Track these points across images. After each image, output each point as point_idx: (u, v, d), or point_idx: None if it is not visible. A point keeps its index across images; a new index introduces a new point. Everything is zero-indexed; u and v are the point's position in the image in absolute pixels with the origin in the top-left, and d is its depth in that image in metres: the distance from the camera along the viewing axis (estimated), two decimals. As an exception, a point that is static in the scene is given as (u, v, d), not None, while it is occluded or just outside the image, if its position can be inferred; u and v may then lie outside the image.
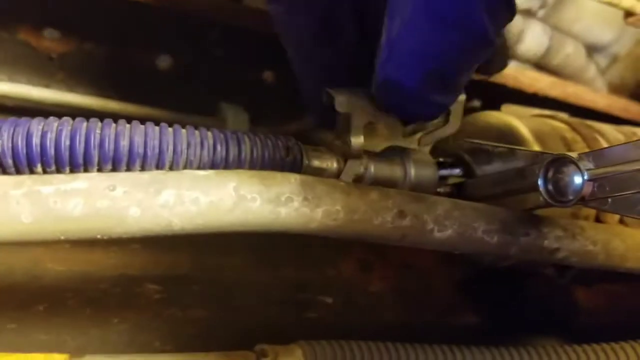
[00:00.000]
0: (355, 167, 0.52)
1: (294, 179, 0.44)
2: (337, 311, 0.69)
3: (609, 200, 0.50)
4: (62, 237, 0.38)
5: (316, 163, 0.56)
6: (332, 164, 0.57)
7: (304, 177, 0.45)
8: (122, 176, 0.39)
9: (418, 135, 0.69)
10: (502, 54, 0.61)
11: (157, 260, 0.64)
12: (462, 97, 0.56)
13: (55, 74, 0.67)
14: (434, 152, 0.66)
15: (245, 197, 0.41)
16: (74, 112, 0.67)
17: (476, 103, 0.87)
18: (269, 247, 0.72)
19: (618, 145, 0.50)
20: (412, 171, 0.61)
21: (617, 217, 0.65)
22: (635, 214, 0.50)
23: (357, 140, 0.51)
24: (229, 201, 0.40)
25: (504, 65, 0.63)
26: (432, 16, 0.40)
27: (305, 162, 0.55)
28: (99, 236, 0.39)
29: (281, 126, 0.75)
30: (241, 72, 0.74)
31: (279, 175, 0.43)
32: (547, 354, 0.61)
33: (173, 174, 0.40)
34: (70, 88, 0.67)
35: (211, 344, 0.59)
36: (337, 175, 0.56)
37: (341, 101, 0.49)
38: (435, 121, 0.57)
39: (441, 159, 0.64)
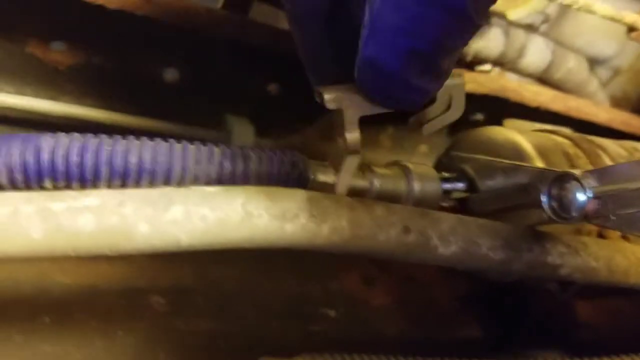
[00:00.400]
0: (353, 162, 0.50)
1: (300, 195, 0.44)
2: (340, 324, 0.70)
3: (613, 217, 0.50)
4: (72, 254, 0.39)
5: (321, 178, 0.57)
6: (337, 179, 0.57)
7: (310, 193, 0.45)
8: (131, 193, 0.40)
9: (422, 148, 0.70)
10: None
11: (161, 273, 0.65)
12: (462, 80, 0.55)
13: (62, 87, 0.68)
14: (438, 166, 0.66)
15: (252, 214, 0.41)
16: (81, 124, 0.68)
17: (479, 116, 0.88)
18: (271, 260, 0.72)
19: (622, 163, 0.50)
20: (416, 186, 0.61)
21: (619, 233, 0.65)
22: (638, 231, 0.50)
23: (353, 136, 0.49)
24: (236, 218, 0.41)
25: None
26: None
27: (311, 177, 0.55)
28: (107, 252, 0.39)
29: (286, 138, 0.76)
30: (246, 84, 0.74)
31: (285, 191, 0.44)
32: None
33: (181, 190, 0.41)
34: (78, 100, 0.68)
35: (215, 355, 0.59)
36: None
37: (330, 98, 0.49)
38: (437, 108, 0.55)
39: (445, 174, 0.64)
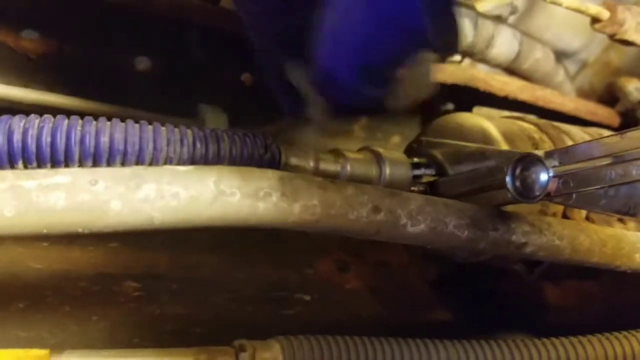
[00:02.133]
0: (316, 132, 0.52)
1: (272, 174, 0.45)
2: (315, 308, 0.71)
3: (574, 195, 0.52)
4: (45, 231, 0.39)
5: (294, 161, 0.58)
6: (309, 162, 0.58)
7: (282, 173, 0.46)
8: (103, 171, 0.40)
9: (395, 139, 0.71)
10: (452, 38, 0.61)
11: (135, 259, 0.65)
12: (430, 55, 0.56)
13: (34, 75, 0.68)
14: (409, 152, 0.68)
15: (224, 192, 0.42)
16: (53, 112, 0.67)
17: (449, 106, 0.90)
18: (246, 247, 0.73)
19: (582, 143, 0.52)
20: (387, 170, 0.62)
21: (584, 214, 0.68)
22: (598, 208, 0.52)
23: (315, 109, 0.51)
24: (209, 196, 0.42)
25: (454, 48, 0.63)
26: (373, 13, 0.41)
27: (283, 160, 0.56)
28: (80, 230, 0.40)
29: (259, 127, 0.76)
30: (220, 74, 0.75)
31: (257, 171, 0.45)
32: (517, 347, 0.63)
33: (154, 169, 0.41)
34: (49, 89, 0.68)
35: (190, 340, 0.60)
36: (315, 173, 0.58)
37: (296, 75, 0.50)
38: (406, 89, 0.57)
39: (415, 159, 0.66)
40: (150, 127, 0.44)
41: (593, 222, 0.67)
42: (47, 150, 0.41)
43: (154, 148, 0.43)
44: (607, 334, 0.67)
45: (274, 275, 0.72)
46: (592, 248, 0.59)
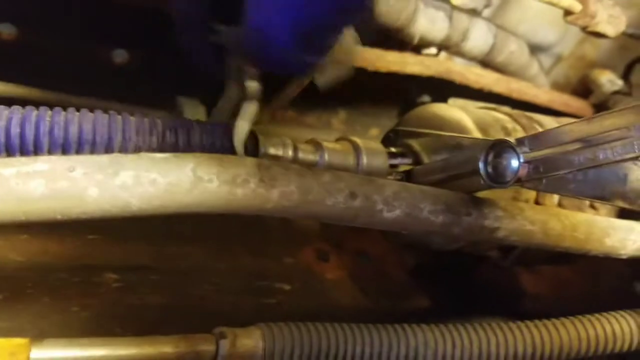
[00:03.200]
0: (251, 109, 0.52)
1: (249, 161, 0.46)
2: (295, 297, 0.72)
3: (544, 180, 0.54)
4: (23, 218, 0.39)
5: (272, 151, 0.59)
6: (287, 152, 0.59)
7: (260, 160, 0.47)
8: (81, 158, 0.41)
9: (374, 131, 0.72)
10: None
11: (115, 251, 0.65)
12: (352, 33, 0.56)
13: (9, 67, 0.68)
14: (385, 142, 0.69)
15: (202, 179, 0.43)
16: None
17: (426, 98, 0.91)
18: (226, 238, 0.74)
19: (551, 129, 0.54)
20: (364, 160, 0.64)
21: (555, 200, 0.69)
22: (568, 192, 0.54)
23: (252, 84, 0.51)
24: (187, 182, 0.42)
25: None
26: None
27: (262, 150, 0.57)
28: (59, 217, 0.40)
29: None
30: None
31: (235, 158, 0.46)
32: (492, 330, 0.65)
33: (132, 156, 0.42)
34: (25, 82, 0.68)
35: (171, 330, 0.60)
36: (293, 162, 0.59)
37: (227, 38, 0.49)
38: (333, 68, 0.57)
39: (392, 149, 0.67)
40: (119, 117, 0.45)
41: (565, 208, 0.69)
42: (16, 141, 0.42)
43: (123, 138, 0.44)
44: (579, 317, 0.69)
45: (255, 265, 0.73)
46: (563, 233, 0.61)
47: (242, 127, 0.51)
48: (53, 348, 0.48)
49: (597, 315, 0.71)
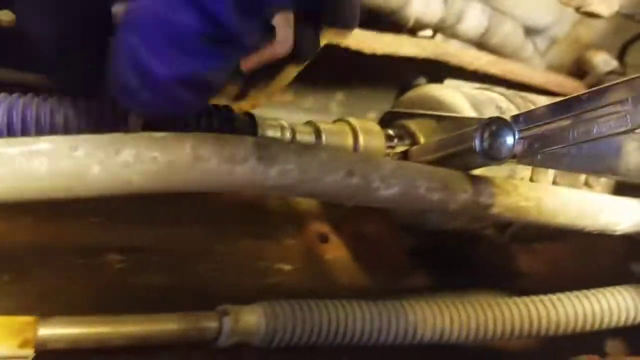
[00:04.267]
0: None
1: (248, 140, 0.47)
2: (295, 277, 0.73)
3: (539, 156, 0.55)
4: (28, 196, 0.40)
5: (270, 133, 0.60)
6: (285, 134, 0.60)
7: (258, 139, 0.48)
8: (83, 138, 0.41)
9: (371, 114, 0.72)
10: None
11: (117, 233, 0.66)
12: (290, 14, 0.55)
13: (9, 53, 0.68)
14: (382, 123, 0.70)
15: (202, 157, 0.44)
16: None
17: (422, 81, 0.91)
18: (227, 219, 0.75)
19: (546, 105, 0.55)
20: (362, 141, 0.65)
21: (550, 178, 0.70)
22: (562, 167, 0.55)
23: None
24: (186, 160, 0.43)
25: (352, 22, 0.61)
26: None
27: (260, 132, 0.58)
28: (63, 194, 0.41)
29: (235, 104, 0.77)
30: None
31: (233, 137, 0.46)
32: (490, 306, 0.66)
33: (132, 135, 0.43)
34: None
35: (172, 309, 0.61)
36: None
37: None
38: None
39: (389, 130, 0.68)
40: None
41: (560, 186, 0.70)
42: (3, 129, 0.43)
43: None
44: (576, 292, 0.70)
45: (255, 246, 0.74)
46: (557, 209, 0.62)
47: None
48: (60, 325, 0.49)
49: (593, 290, 0.72)
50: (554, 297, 0.70)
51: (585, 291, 0.72)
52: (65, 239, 0.63)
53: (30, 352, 0.46)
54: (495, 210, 0.58)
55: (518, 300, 0.68)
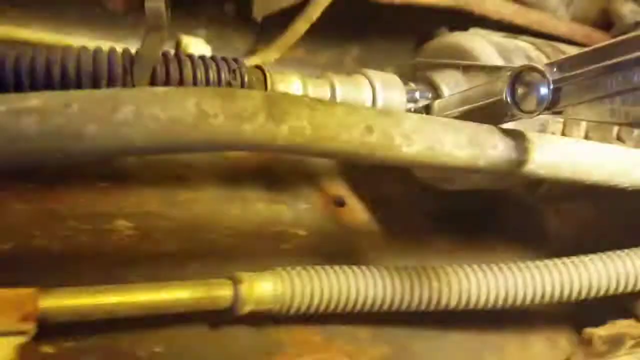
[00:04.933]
0: (154, 42, 0.44)
1: (257, 95, 0.43)
2: (311, 243, 0.70)
3: (573, 107, 0.50)
4: (20, 159, 0.37)
5: (281, 87, 0.55)
6: (297, 88, 0.56)
7: (267, 93, 0.44)
8: (77, 93, 0.38)
9: (388, 70, 0.68)
10: None
11: (126, 198, 0.63)
12: None
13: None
14: (402, 75, 0.65)
15: (207, 114, 0.40)
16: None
17: (443, 32, 0.86)
18: (239, 183, 0.72)
19: (581, 52, 0.50)
20: (380, 94, 0.60)
21: (582, 132, 0.66)
22: (597, 118, 0.50)
23: (154, 4, 0.42)
24: (190, 117, 0.39)
25: None
26: None
27: (269, 85, 0.54)
28: (58, 156, 0.38)
29: (247, 58, 0.73)
30: (202, 3, 0.71)
31: (241, 92, 0.42)
32: (518, 269, 0.63)
33: (131, 91, 0.39)
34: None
35: (186, 275, 0.59)
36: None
37: None
38: None
39: (410, 82, 0.63)
40: (104, 54, 0.42)
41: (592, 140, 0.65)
42: None
43: (109, 78, 0.41)
44: (608, 253, 0.66)
45: (269, 210, 0.71)
46: (592, 165, 0.57)
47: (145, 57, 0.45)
48: (62, 297, 0.46)
49: (625, 251, 0.68)
50: (584, 258, 0.66)
51: (616, 252, 0.68)
52: (71, 204, 0.60)
53: (31, 326, 0.43)
54: (527, 167, 0.53)
55: (547, 262, 0.65)
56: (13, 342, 0.44)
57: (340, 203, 0.77)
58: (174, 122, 0.39)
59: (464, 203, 0.79)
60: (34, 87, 0.43)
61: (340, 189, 0.78)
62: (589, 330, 0.52)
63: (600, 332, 0.51)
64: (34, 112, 0.36)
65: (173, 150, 0.40)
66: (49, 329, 0.47)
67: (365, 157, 0.48)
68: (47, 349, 0.49)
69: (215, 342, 0.55)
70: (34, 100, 0.36)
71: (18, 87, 0.43)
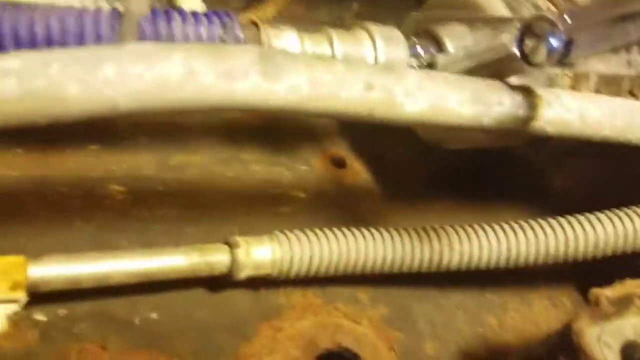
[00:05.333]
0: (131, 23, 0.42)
1: (250, 50, 0.40)
2: (311, 205, 0.68)
3: (585, 60, 0.47)
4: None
5: (277, 43, 0.53)
6: (294, 43, 0.53)
7: (262, 49, 0.41)
8: (57, 52, 0.35)
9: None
10: None
11: (118, 161, 0.61)
12: None
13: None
14: (404, 29, 0.62)
15: (195, 71, 0.37)
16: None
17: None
18: (235, 144, 0.69)
19: (591, 3, 0.47)
20: (381, 49, 0.58)
21: (593, 87, 0.63)
22: (612, 71, 0.48)
23: None
24: (177, 76, 0.37)
25: None
26: None
27: (265, 40, 0.52)
28: (40, 119, 0.35)
29: (240, 14, 0.70)
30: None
31: (232, 47, 0.40)
32: (521, 227, 0.61)
33: (113, 48, 0.36)
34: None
35: (182, 241, 0.57)
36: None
37: None
38: None
39: (412, 36, 0.60)
40: (90, 12, 0.39)
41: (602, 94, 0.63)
42: None
43: (97, 36, 0.38)
44: (615, 210, 0.64)
45: (267, 172, 0.69)
46: (602, 120, 0.55)
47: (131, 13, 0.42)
48: (52, 264, 0.45)
49: (633, 207, 0.66)
50: (591, 215, 0.65)
51: (623, 209, 0.66)
52: (62, 169, 0.58)
53: (21, 295, 0.42)
54: (535, 124, 0.51)
55: (551, 220, 0.63)
56: (4, 311, 0.43)
57: (340, 164, 0.75)
58: (159, 81, 0.36)
59: (465, 162, 0.77)
60: (18, 47, 0.40)
61: (340, 149, 0.76)
62: (595, 291, 0.50)
63: (607, 292, 0.50)
64: (12, 73, 0.34)
65: (159, 111, 0.38)
66: (41, 296, 0.46)
67: (366, 116, 0.45)
68: (40, 316, 0.47)
69: (212, 306, 0.54)
70: (12, 60, 0.34)
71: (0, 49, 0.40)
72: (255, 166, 0.69)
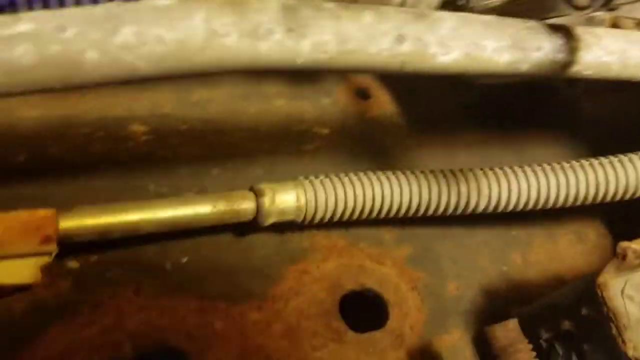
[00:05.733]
0: None
1: (273, 5, 0.38)
2: (335, 141, 0.67)
3: (632, 5, 0.44)
4: (18, 90, 0.34)
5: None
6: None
7: (285, 3, 0.38)
8: (71, 13, 0.33)
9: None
10: None
11: (138, 99, 0.60)
12: None
13: None
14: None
15: (217, 32, 0.35)
16: None
17: None
18: (255, 79, 0.67)
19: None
20: (411, -14, 0.54)
21: (632, 24, 0.59)
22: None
23: None
24: (199, 38, 0.35)
25: None
26: None
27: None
28: (58, 86, 0.34)
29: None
30: None
31: (254, 3, 0.37)
32: (552, 170, 0.60)
33: (130, 6, 0.34)
34: None
35: (207, 182, 0.57)
36: None
37: None
38: None
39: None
40: None
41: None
42: None
43: None
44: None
45: (289, 107, 0.67)
46: (643, 63, 0.52)
47: None
48: (82, 217, 0.45)
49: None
50: (623, 157, 0.63)
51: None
52: (83, 109, 0.57)
53: (52, 247, 0.43)
54: (573, 68, 0.48)
55: (583, 162, 0.61)
56: (37, 263, 0.44)
57: (364, 95, 0.73)
58: (181, 44, 0.35)
59: (494, 94, 0.74)
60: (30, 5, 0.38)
61: (364, 79, 0.73)
62: (623, 244, 0.50)
63: (634, 245, 0.50)
64: (25, 39, 0.32)
65: (181, 74, 0.36)
66: (72, 244, 0.47)
67: (397, 69, 0.43)
68: (72, 264, 0.49)
69: (240, 250, 0.55)
70: (24, 24, 0.32)
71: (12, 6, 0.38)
72: (278, 100, 0.67)
